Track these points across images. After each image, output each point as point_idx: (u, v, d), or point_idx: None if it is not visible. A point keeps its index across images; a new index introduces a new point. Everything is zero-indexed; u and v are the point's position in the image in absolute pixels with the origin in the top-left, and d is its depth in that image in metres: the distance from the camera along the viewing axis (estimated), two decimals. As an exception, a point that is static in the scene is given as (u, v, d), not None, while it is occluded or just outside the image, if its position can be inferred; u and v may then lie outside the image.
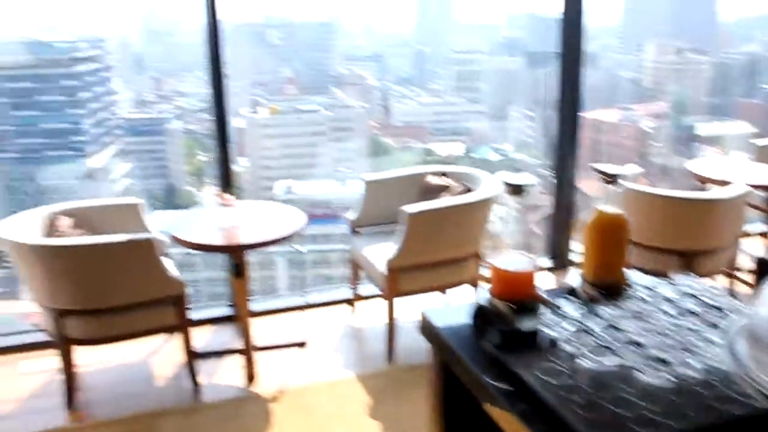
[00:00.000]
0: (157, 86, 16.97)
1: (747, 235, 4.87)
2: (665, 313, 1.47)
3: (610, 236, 1.66)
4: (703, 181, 4.56)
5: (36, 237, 3.18)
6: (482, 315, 1.52)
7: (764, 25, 15.64)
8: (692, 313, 1.47)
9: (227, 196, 3.46)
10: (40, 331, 3.56)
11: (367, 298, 4.25)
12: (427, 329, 1.64)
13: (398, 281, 3.53)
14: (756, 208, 4.82)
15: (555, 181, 4.85)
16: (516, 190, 1.56)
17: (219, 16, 3.74)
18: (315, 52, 17.51)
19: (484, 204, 3.56)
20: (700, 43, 17.14)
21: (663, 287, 1.62)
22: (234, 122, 15.38)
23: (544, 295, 1.52)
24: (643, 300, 1.54)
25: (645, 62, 17.41)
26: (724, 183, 4.19)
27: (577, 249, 4.94)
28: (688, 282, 1.64)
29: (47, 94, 14.11)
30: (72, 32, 15.69)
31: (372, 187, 4.02)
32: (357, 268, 4.03)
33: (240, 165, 15.42)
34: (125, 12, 18.76)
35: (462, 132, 18.15)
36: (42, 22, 17.62)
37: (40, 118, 14.11)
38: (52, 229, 3.32)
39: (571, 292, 1.65)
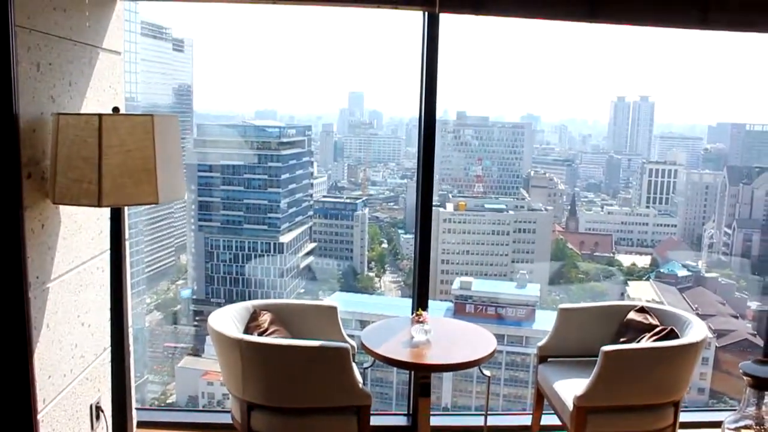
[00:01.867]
0: (351, 173, 17.87)
1: None
2: None
3: None
4: None
5: (237, 330, 3.36)
6: None
7: None
8: None
9: (422, 312, 3.48)
10: (224, 412, 3.71)
11: (548, 429, 4.04)
12: None
13: (585, 420, 3.32)
14: None
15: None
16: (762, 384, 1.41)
17: (434, 111, 3.81)
18: (506, 152, 17.67)
19: (689, 349, 3.30)
20: None
21: None
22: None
23: None
24: None
25: None
26: None
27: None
28: None
29: (253, 173, 15.26)
30: (283, 118, 17.07)
31: (566, 317, 3.87)
32: (541, 397, 3.86)
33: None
34: (332, 103, 20.15)
35: (650, 244, 17.41)
36: (259, 104, 19.35)
37: (244, 194, 15.25)
38: (253, 323, 3.50)
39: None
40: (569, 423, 3.38)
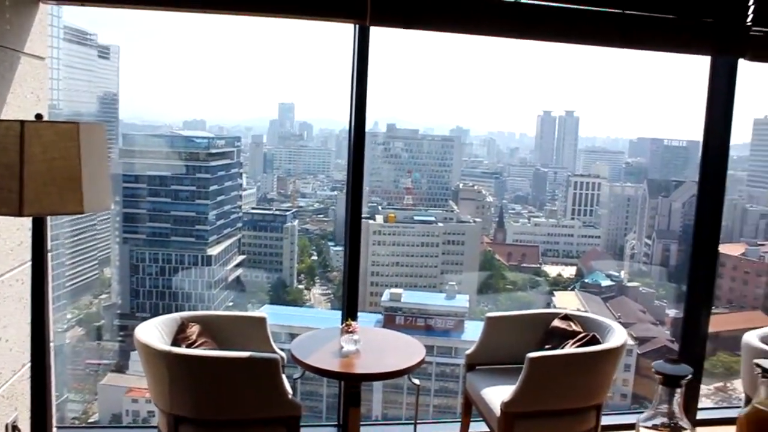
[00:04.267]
0: (281, 185, 17.75)
1: None
2: None
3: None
4: None
5: (165, 343, 3.30)
6: None
7: None
8: None
9: (352, 322, 3.49)
10: (151, 427, 3.63)
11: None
12: None
13: (513, 425, 3.40)
14: None
15: (682, 331, 4.60)
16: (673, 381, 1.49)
17: (364, 123, 3.84)
18: (435, 165, 17.87)
19: (610, 354, 3.43)
20: None
21: None
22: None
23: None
24: None
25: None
26: None
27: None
28: None
29: (181, 184, 14.98)
30: (212, 128, 16.83)
31: (493, 325, 3.95)
32: (469, 404, 3.92)
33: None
34: (262, 113, 19.97)
35: (575, 255, 17.88)
36: (187, 114, 19.02)
37: (171, 205, 14.94)
38: (181, 335, 3.45)
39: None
40: (497, 428, 3.45)
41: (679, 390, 1.49)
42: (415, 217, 16.66)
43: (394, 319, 14.70)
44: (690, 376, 1.49)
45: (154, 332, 3.34)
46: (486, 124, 21.43)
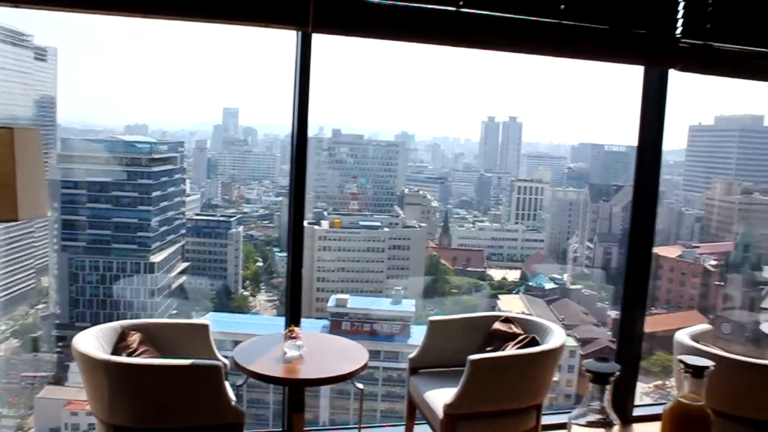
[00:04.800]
0: (225, 191, 17.58)
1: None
2: None
3: (688, 428, 1.62)
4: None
5: (104, 352, 3.25)
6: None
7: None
8: None
9: (295, 328, 3.50)
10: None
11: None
12: None
13: (455, 427, 3.45)
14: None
15: (620, 331, 4.74)
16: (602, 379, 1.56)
17: (308, 128, 3.85)
18: (381, 170, 17.94)
19: (549, 355, 3.51)
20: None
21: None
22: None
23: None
24: None
25: (711, 201, 17.32)
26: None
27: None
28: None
29: (122, 190, 14.71)
30: (155, 133, 16.55)
31: (435, 328, 4.00)
32: (413, 408, 3.96)
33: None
34: (206, 118, 19.74)
35: (519, 259, 18.16)
36: (129, 119, 18.66)
37: (112, 212, 14.65)
38: (121, 344, 3.40)
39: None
40: (439, 430, 3.50)
41: (608, 387, 1.55)
42: (361, 223, 16.70)
43: (340, 324, 14.69)
44: (618, 374, 1.56)
45: (93, 341, 3.28)
46: (431, 130, 21.59)
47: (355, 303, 15.27)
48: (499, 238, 18.36)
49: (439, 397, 3.54)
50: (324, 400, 13.56)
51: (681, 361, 1.62)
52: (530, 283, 17.24)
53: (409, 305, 15.40)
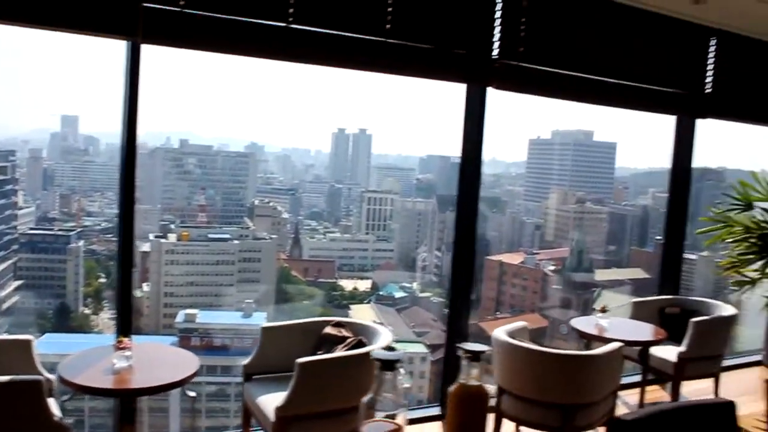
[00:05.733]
0: (64, 203, 16.69)
1: (624, 387, 5.20)
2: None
3: (470, 406, 1.83)
4: (585, 337, 4.89)
5: None
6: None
7: (654, 181, 16.93)
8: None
9: (124, 339, 3.47)
10: None
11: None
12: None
13: (287, 429, 3.56)
14: (631, 360, 5.17)
15: (447, 328, 5.05)
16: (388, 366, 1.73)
17: (137, 138, 3.83)
18: (230, 182, 17.71)
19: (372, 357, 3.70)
20: (599, 195, 18.45)
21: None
22: (142, 246, 15.19)
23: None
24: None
25: (549, 210, 18.37)
26: (602, 339, 4.56)
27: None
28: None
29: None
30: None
31: (269, 335, 4.10)
32: (248, 414, 4.03)
33: (142, 290, 15.10)
34: (41, 126, 18.64)
35: (370, 269, 18.48)
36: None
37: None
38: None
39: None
40: (272, 434, 3.59)
41: (393, 373, 1.73)
42: (210, 235, 16.40)
43: (189, 340, 14.35)
44: (402, 361, 1.74)
45: None
46: (281, 140, 21.57)
47: (205, 318, 14.97)
48: (350, 249, 18.61)
49: (271, 401, 3.64)
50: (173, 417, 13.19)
51: (461, 348, 1.83)
52: (381, 293, 17.58)
53: (260, 318, 15.27)
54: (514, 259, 17.33)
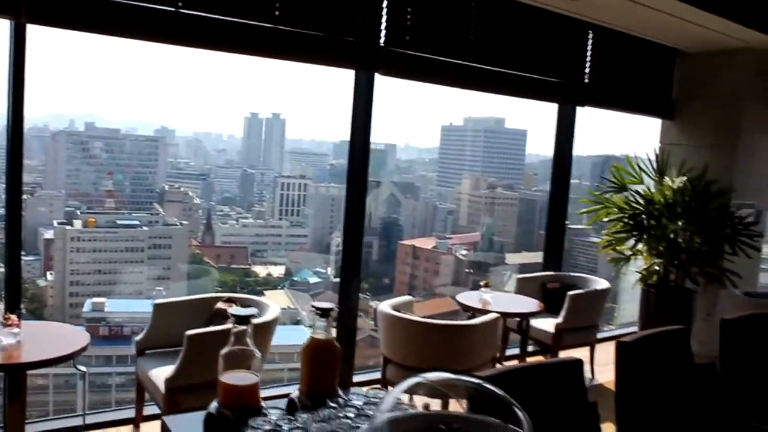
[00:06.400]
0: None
1: (508, 358, 5.59)
2: (346, 416, 1.85)
3: (320, 358, 2.06)
4: (468, 310, 5.24)
5: None
6: (211, 421, 1.86)
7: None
8: (364, 415, 1.86)
9: (11, 315, 3.53)
10: None
11: (153, 418, 4.35)
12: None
13: (177, 399, 3.71)
14: (513, 331, 5.56)
15: (339, 304, 5.29)
16: (242, 320, 1.95)
17: (24, 121, 3.85)
18: (139, 166, 17.34)
19: (260, 329, 3.90)
20: (509, 180, 18.99)
21: (359, 399, 2.00)
22: (45, 234, 14.74)
23: (263, 405, 1.89)
24: (337, 407, 1.90)
25: (461, 195, 18.80)
26: (484, 311, 4.91)
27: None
28: (379, 394, 2.05)
29: None
30: None
31: (161, 311, 4.23)
32: (142, 389, 4.16)
33: (46, 279, 14.69)
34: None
35: (283, 254, 18.45)
36: None
37: None
38: None
39: (291, 402, 2.02)
40: (163, 404, 3.75)
41: (249, 326, 1.94)
42: (118, 222, 16.05)
43: (98, 330, 14.06)
44: (254, 315, 1.95)
45: None
46: (192, 125, 21.18)
47: (114, 306, 14.67)
48: (263, 234, 18.52)
49: (162, 373, 3.80)
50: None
51: (313, 306, 2.05)
52: (295, 278, 17.59)
53: (171, 305, 15.11)
54: (426, 243, 17.64)
